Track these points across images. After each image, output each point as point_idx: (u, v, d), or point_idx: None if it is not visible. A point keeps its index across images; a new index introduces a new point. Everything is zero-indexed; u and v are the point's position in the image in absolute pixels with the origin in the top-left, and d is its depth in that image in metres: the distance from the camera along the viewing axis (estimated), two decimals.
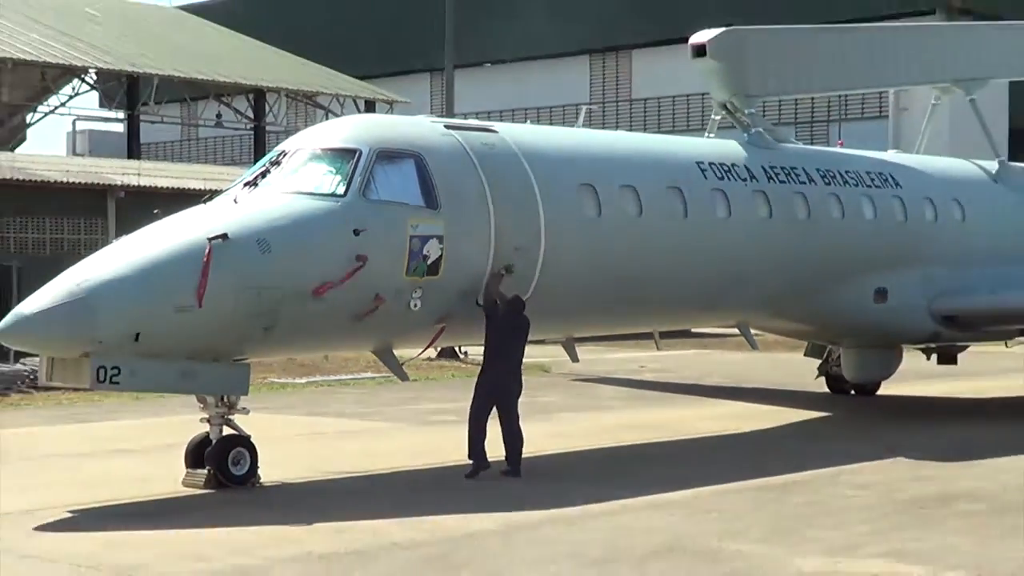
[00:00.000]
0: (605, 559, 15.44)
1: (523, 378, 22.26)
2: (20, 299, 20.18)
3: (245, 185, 21.72)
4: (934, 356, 35.32)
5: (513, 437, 21.85)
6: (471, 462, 21.70)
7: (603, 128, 40.64)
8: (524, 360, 22.18)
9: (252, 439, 20.86)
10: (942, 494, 19.99)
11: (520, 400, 22.24)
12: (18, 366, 35.01)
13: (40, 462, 23.85)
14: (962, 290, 31.44)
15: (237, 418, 20.88)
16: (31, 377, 32.70)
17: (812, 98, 67.38)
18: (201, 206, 21.74)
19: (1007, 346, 37.29)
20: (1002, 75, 40.73)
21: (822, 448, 25.16)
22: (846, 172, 30.86)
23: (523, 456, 21.95)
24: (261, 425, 22.20)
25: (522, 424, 22.18)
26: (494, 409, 21.90)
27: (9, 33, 70.32)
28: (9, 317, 19.39)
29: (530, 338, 23.54)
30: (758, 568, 14.98)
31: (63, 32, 73.85)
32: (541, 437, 25.17)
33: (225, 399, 20.69)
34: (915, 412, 31.97)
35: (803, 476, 21.67)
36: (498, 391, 21.93)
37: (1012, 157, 38.14)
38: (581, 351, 29.09)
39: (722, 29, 30.85)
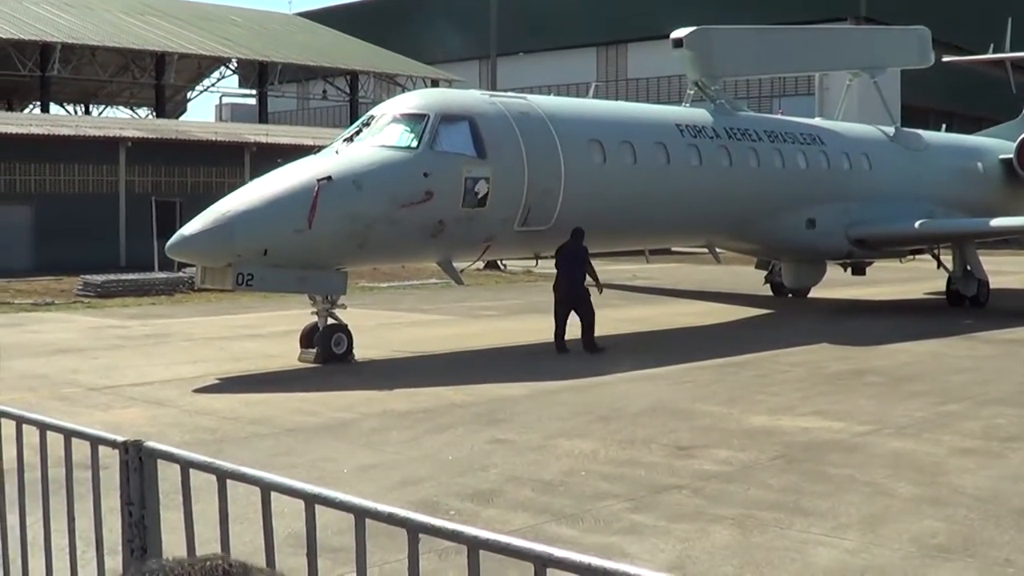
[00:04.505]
0: (607, 416, 15.31)
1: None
2: (182, 225, 20.08)
3: (344, 141, 21.76)
4: (849, 269, 35.09)
5: (587, 328, 22.13)
6: (557, 344, 22.07)
7: (606, 100, 40.31)
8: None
9: (348, 327, 20.80)
10: (855, 370, 19.80)
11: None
12: (180, 274, 35.07)
13: (196, 343, 23.82)
14: (869, 220, 31.19)
15: (337, 311, 20.85)
16: (189, 282, 32.74)
17: (760, 79, 66.99)
18: (312, 156, 21.66)
19: (901, 262, 37.03)
20: (895, 64, 40.63)
21: (767, 336, 24.94)
22: (785, 133, 30.65)
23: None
24: (355, 317, 22.12)
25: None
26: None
27: (175, 35, 70.97)
28: (175, 237, 19.65)
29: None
30: (721, 423, 14.83)
31: (213, 33, 74.35)
32: None
33: (329, 297, 20.65)
34: (836, 310, 31.71)
35: (754, 356, 21.48)
36: (571, 299, 22.08)
37: (903, 125, 37.74)
38: None
39: (694, 28, 30.58)
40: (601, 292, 23.14)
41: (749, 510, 10.38)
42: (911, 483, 11.44)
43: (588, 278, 22.78)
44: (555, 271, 22.80)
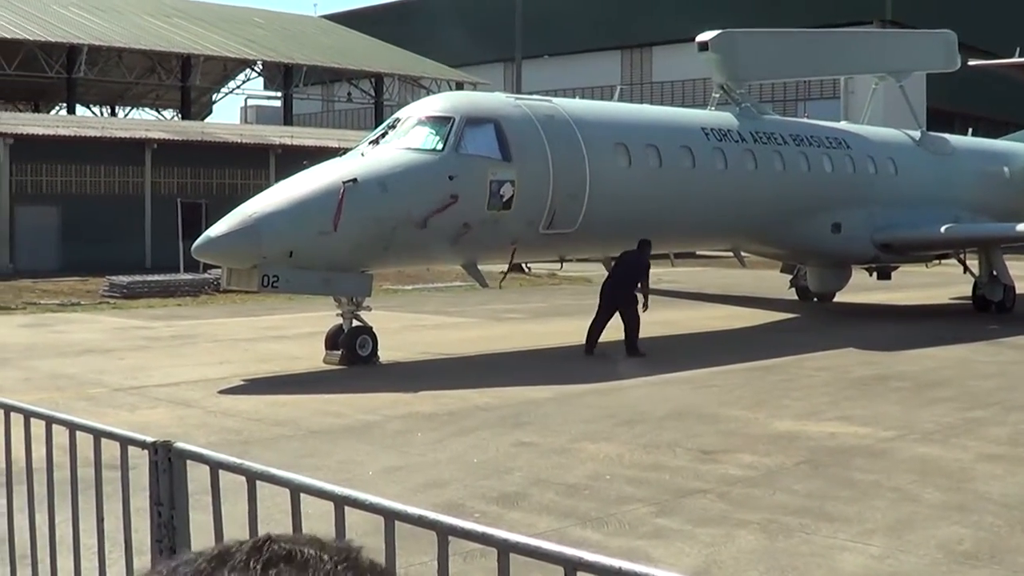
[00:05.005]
0: (632, 419, 15.30)
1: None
2: (208, 227, 20.16)
3: (369, 143, 21.83)
4: (875, 273, 35.00)
5: (630, 331, 22.20)
6: (586, 346, 22.31)
7: (632, 103, 40.20)
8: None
9: (373, 329, 20.83)
10: (880, 375, 19.73)
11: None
12: (206, 275, 35.16)
13: (221, 344, 23.89)
14: (895, 225, 31.05)
15: (362, 313, 20.89)
16: (215, 283, 32.82)
17: (785, 82, 66.75)
18: (337, 158, 21.73)
19: (927, 267, 36.87)
20: (921, 68, 40.64)
21: (793, 340, 24.85)
22: (811, 137, 30.55)
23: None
24: (379, 319, 22.13)
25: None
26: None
27: (201, 37, 71.31)
28: (201, 239, 19.74)
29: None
30: (746, 427, 14.81)
31: (239, 35, 74.68)
32: (585, 331, 24.95)
33: (354, 299, 20.68)
34: (861, 315, 31.63)
35: (779, 360, 21.41)
36: (614, 303, 22.29)
37: (928, 129, 37.65)
38: None
39: (720, 31, 30.53)
40: (645, 310, 23.03)
41: (774, 515, 10.36)
42: (937, 489, 11.40)
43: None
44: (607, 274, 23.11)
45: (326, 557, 1.74)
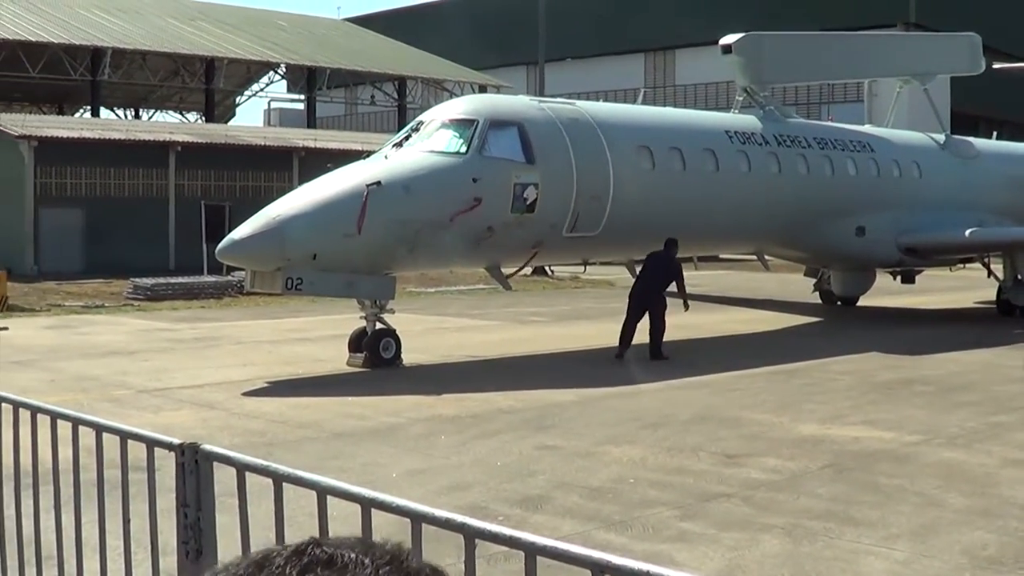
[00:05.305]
0: (656, 423, 15.29)
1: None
2: (231, 229, 20.23)
3: (393, 146, 21.87)
4: (899, 277, 34.90)
5: (656, 334, 22.13)
6: (618, 350, 22.18)
7: (655, 106, 40.13)
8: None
9: (396, 331, 20.85)
10: (904, 379, 19.65)
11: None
12: (229, 277, 35.24)
13: (245, 346, 23.96)
14: (919, 228, 30.96)
15: (386, 316, 20.91)
16: (238, 285, 32.89)
17: (808, 85, 66.60)
18: (361, 161, 21.76)
19: (951, 270, 36.76)
20: (945, 71, 40.56)
21: (817, 344, 24.79)
22: (835, 140, 30.53)
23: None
24: (402, 321, 22.16)
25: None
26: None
27: (224, 39, 71.50)
28: (224, 241, 19.86)
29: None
30: (770, 431, 14.77)
31: (262, 38, 74.79)
32: (610, 335, 24.92)
33: (377, 302, 20.70)
34: (885, 318, 31.53)
35: (803, 364, 21.37)
36: (641, 304, 22.27)
37: (952, 132, 37.54)
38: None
39: (744, 34, 30.53)
40: (687, 309, 23.08)
41: (798, 519, 10.34)
42: (962, 494, 11.35)
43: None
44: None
45: (367, 561, 1.75)
